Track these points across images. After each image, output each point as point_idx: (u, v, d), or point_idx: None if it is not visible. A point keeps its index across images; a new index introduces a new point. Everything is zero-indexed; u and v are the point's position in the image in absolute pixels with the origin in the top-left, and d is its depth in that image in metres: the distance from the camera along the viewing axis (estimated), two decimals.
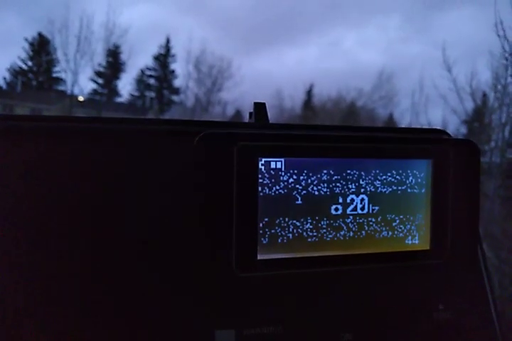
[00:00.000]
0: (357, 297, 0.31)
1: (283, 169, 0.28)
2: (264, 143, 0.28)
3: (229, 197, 0.27)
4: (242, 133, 0.28)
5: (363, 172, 0.30)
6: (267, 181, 0.28)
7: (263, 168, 0.28)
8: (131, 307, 0.27)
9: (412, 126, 0.39)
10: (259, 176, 0.28)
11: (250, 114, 0.34)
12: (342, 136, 0.30)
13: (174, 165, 0.28)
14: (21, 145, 0.26)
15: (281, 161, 0.28)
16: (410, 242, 0.32)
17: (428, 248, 0.32)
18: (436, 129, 0.36)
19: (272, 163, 0.28)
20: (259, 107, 0.33)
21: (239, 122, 0.32)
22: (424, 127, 0.36)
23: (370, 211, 0.31)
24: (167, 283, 0.28)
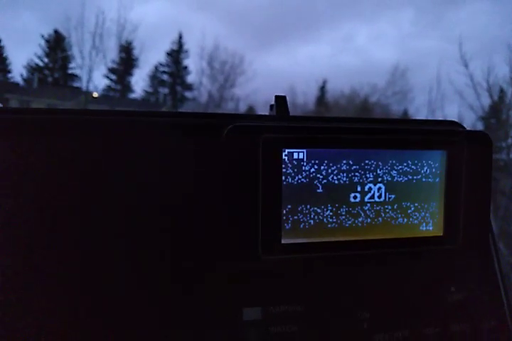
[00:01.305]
0: (373, 279, 0.33)
1: (305, 159, 0.30)
2: (287, 135, 0.30)
3: (255, 186, 0.29)
4: (267, 126, 0.30)
5: (380, 163, 0.32)
6: (290, 171, 0.30)
7: (286, 158, 0.30)
8: (165, 288, 0.29)
9: (428, 118, 0.40)
10: (283, 166, 0.30)
11: (271, 106, 0.36)
12: (361, 128, 0.32)
13: (202, 157, 0.30)
14: (24, 138, 0.28)
15: (304, 152, 0.30)
16: (424, 229, 0.34)
17: (441, 234, 0.33)
18: (450, 121, 0.37)
19: (294, 153, 0.30)
20: (280, 100, 0.35)
21: (262, 115, 0.34)
22: (439, 119, 0.38)
23: (387, 199, 0.32)
24: (199, 265, 0.30)
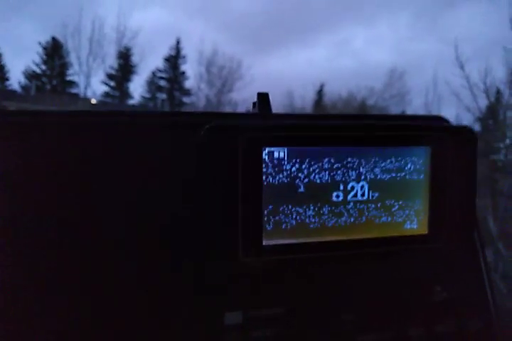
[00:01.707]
0: (357, 280, 0.33)
1: (286, 158, 0.30)
2: (267, 133, 0.30)
3: (234, 186, 0.29)
4: (246, 125, 0.30)
5: (363, 160, 0.32)
6: (270, 170, 0.30)
7: (267, 157, 0.30)
8: (144, 296, 0.29)
9: (413, 114, 0.40)
10: (263, 165, 0.30)
11: (254, 103, 0.35)
12: (343, 125, 0.32)
13: (180, 157, 0.30)
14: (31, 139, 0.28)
15: (284, 151, 0.30)
16: (409, 227, 0.33)
17: (426, 232, 0.33)
18: (436, 116, 0.37)
19: (275, 152, 0.30)
20: (263, 97, 0.34)
21: (242, 113, 0.34)
22: (424, 114, 0.37)
23: (370, 197, 0.32)
24: (177, 270, 0.29)
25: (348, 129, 0.32)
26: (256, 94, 0.35)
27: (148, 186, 0.29)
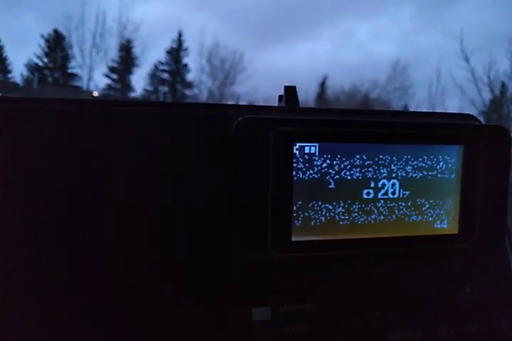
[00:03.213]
0: (386, 278, 0.32)
1: (317, 154, 0.29)
2: (299, 128, 0.29)
3: (265, 181, 0.28)
4: (279, 119, 0.29)
5: (394, 158, 0.31)
6: (301, 165, 0.29)
7: (297, 152, 0.29)
8: (172, 286, 0.28)
9: (442, 111, 0.39)
10: (294, 161, 0.29)
11: (280, 97, 0.34)
12: (376, 121, 0.31)
13: (210, 150, 0.29)
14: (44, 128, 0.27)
15: (316, 146, 0.29)
16: (439, 226, 0.32)
17: (456, 232, 0.32)
18: (465, 114, 0.36)
19: (306, 147, 0.29)
20: (290, 90, 0.33)
21: (271, 106, 0.33)
22: (453, 112, 0.36)
23: (401, 195, 0.31)
24: (205, 265, 0.29)
25: (380, 126, 0.31)
26: (282, 86, 0.33)
27: (175, 179, 0.29)
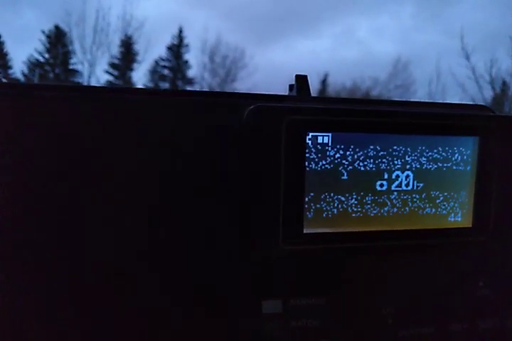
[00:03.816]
0: (399, 272, 0.31)
1: (330, 144, 0.29)
2: (312, 117, 0.28)
3: (276, 171, 0.28)
4: (291, 107, 0.28)
5: (409, 149, 0.30)
6: (313, 156, 0.28)
7: (310, 142, 0.28)
8: (180, 279, 0.28)
9: (456, 102, 0.38)
10: (307, 151, 0.28)
11: (291, 86, 0.33)
12: (390, 111, 0.30)
13: (221, 139, 0.28)
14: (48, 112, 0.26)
15: (329, 136, 0.28)
16: (453, 219, 0.32)
17: (470, 225, 0.32)
18: (479, 105, 0.35)
19: (319, 137, 0.28)
20: (301, 80, 0.32)
21: (283, 95, 0.32)
22: (467, 103, 0.36)
23: (415, 187, 0.31)
24: (216, 257, 0.28)
25: (395, 116, 0.30)
26: (293, 76, 0.32)
27: (184, 170, 0.28)
